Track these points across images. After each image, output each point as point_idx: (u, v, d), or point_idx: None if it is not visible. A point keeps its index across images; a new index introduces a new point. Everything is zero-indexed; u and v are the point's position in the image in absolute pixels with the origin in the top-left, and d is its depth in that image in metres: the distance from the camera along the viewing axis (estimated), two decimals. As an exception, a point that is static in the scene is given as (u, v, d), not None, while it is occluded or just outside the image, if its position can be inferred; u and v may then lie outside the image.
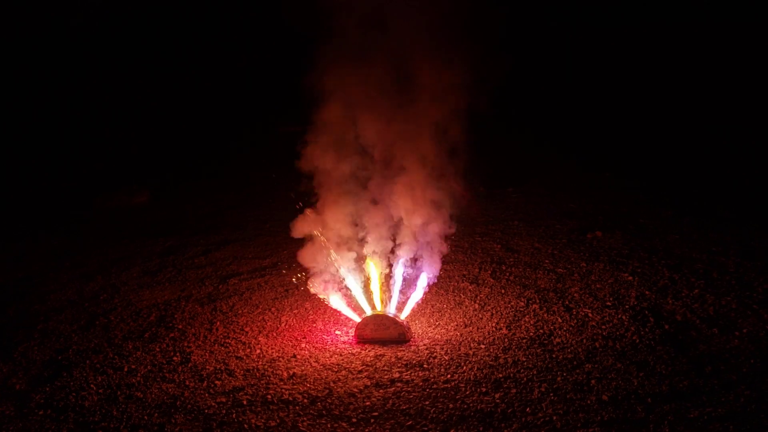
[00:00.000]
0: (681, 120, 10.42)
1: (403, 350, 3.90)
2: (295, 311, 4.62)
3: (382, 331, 4.03)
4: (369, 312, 4.22)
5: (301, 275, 4.68)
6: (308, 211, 4.29)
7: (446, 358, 3.78)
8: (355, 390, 3.50)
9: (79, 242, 6.82)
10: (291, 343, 4.11)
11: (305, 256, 4.35)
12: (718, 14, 11.57)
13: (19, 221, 7.83)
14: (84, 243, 6.77)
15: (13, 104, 11.66)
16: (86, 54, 12.83)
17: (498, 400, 3.31)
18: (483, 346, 3.89)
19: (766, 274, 4.68)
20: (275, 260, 5.77)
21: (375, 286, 4.32)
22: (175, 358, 3.99)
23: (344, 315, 4.40)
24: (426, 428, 3.12)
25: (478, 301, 4.58)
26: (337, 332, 4.25)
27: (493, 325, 4.19)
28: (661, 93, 11.56)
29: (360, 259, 4.37)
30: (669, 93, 11.53)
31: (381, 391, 3.47)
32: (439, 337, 4.08)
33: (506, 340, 3.96)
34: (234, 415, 3.32)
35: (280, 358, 3.91)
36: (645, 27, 12.72)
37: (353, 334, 4.12)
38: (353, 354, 3.91)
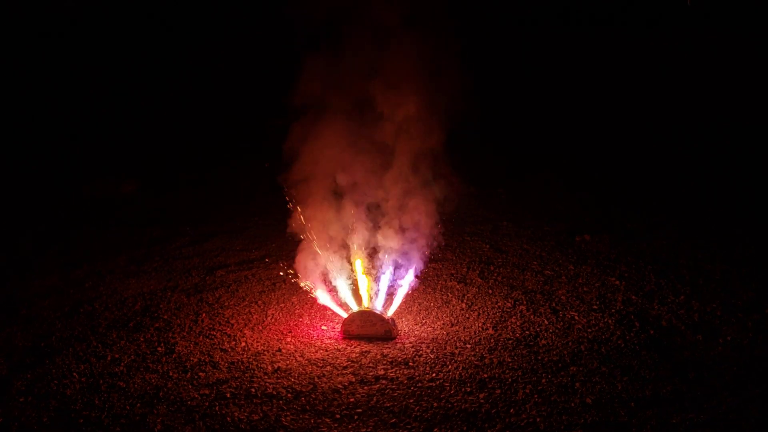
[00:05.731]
0: (671, 125, 10.47)
1: (389, 347, 3.90)
2: (282, 305, 4.60)
3: (368, 328, 4.02)
4: (355, 308, 4.21)
5: (289, 269, 4.66)
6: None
7: (432, 356, 3.78)
8: (340, 386, 3.49)
9: (66, 229, 6.76)
10: (276, 337, 4.09)
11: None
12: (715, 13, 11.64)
13: (6, 208, 7.75)
14: (71, 230, 6.71)
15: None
16: (73, 41, 12.71)
17: (482, 401, 3.31)
18: (469, 346, 3.89)
19: (751, 282, 4.71)
20: (263, 253, 5.74)
21: (362, 282, 4.31)
22: (159, 349, 3.97)
23: (331, 310, 4.39)
24: (410, 426, 3.12)
25: (465, 301, 4.59)
26: (324, 327, 4.23)
27: (480, 325, 4.19)
28: (654, 97, 11.62)
29: (348, 254, 4.36)
30: (662, 97, 11.59)
31: (365, 387, 3.46)
32: (426, 335, 4.08)
33: (492, 340, 3.97)
34: (217, 408, 3.30)
35: (265, 352, 3.89)
36: (639, 28, 12.77)
37: (339, 329, 4.11)
38: (339, 350, 3.90)
